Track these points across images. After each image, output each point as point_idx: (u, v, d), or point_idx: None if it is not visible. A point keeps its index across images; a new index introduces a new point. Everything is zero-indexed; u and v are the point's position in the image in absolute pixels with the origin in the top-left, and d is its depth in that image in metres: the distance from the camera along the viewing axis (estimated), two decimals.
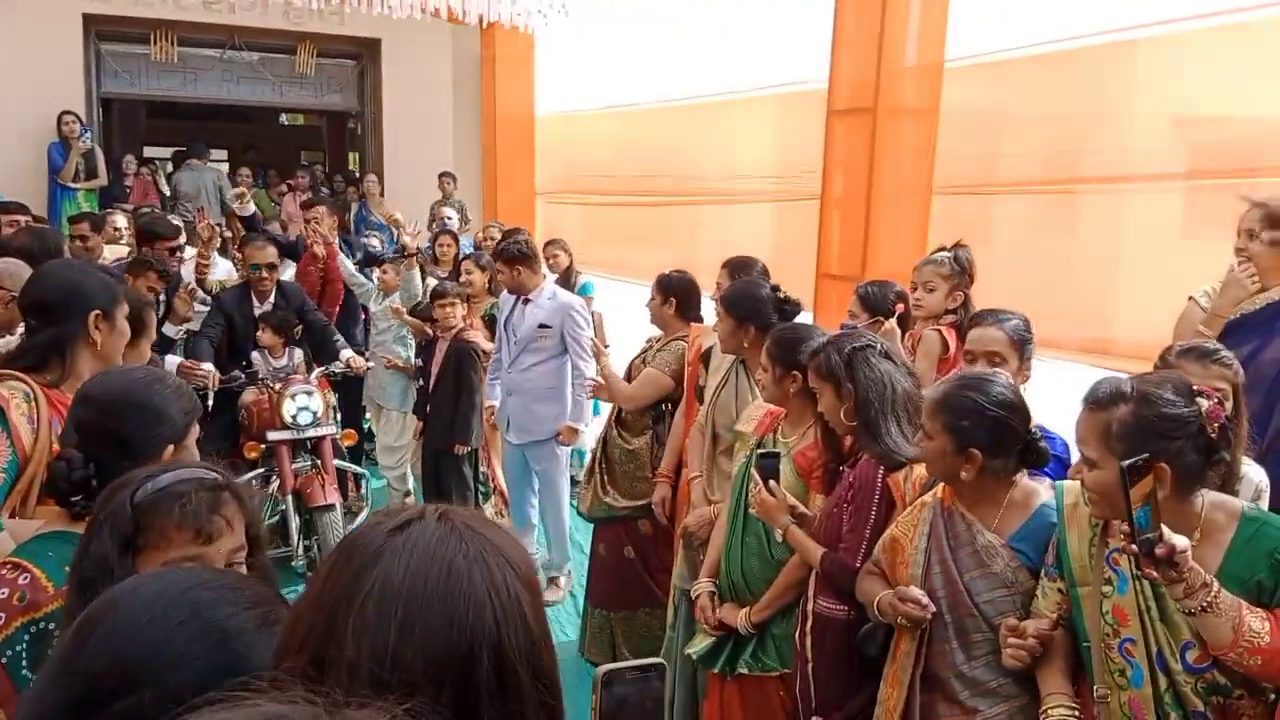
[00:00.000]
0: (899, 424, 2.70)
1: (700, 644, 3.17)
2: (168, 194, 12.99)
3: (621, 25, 8.80)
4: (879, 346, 2.80)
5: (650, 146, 8.67)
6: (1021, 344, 2.96)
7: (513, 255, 5.15)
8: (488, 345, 5.82)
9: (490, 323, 6.10)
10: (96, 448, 1.88)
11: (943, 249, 3.77)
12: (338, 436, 5.58)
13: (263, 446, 5.32)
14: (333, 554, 1.02)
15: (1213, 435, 1.96)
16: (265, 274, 5.69)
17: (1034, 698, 2.25)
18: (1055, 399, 2.48)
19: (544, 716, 0.96)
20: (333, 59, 11.59)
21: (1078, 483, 2.20)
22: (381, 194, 10.77)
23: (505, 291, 5.47)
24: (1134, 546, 1.80)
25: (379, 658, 0.90)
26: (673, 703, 3.53)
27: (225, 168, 13.46)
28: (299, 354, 5.81)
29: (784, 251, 6.30)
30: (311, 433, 5.31)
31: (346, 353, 5.72)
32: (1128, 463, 1.81)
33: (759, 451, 3.01)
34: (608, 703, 1.09)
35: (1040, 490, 2.42)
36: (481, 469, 5.98)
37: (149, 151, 13.90)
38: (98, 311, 2.49)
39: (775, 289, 3.65)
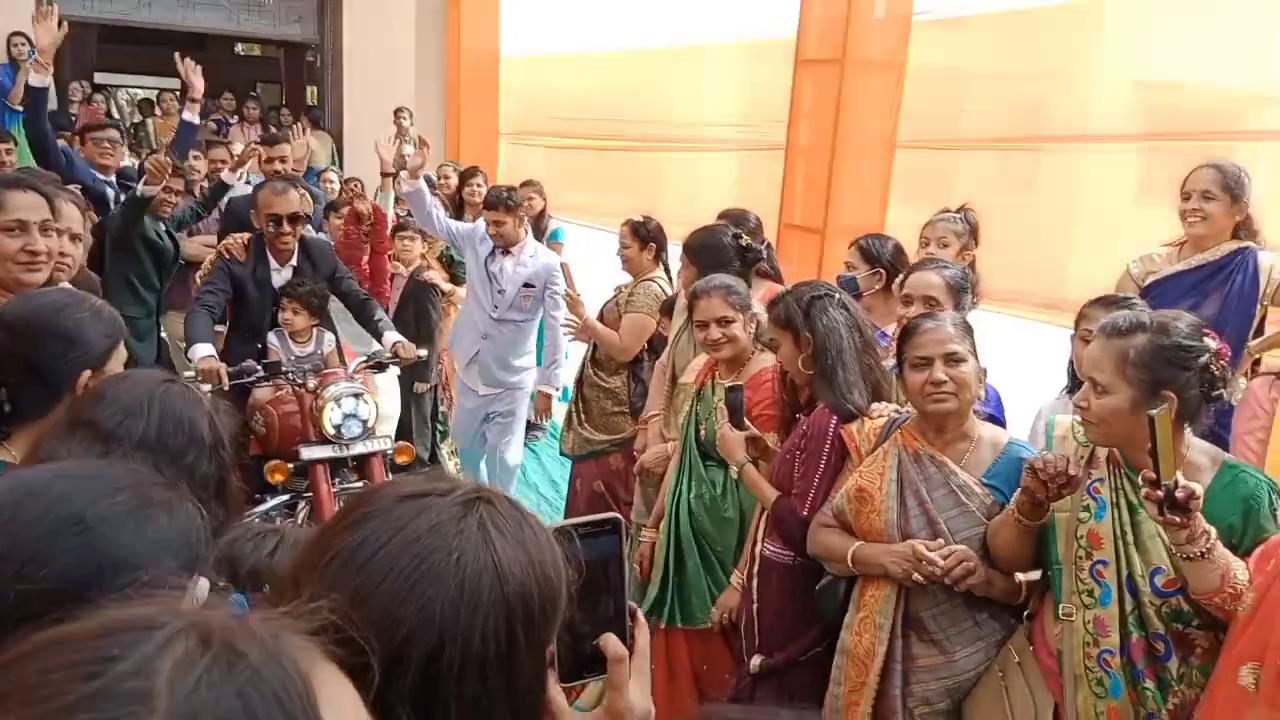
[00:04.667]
0: (854, 374, 2.73)
1: (647, 596, 3.23)
2: (116, 117, 12.68)
3: None
4: (836, 296, 2.82)
5: (617, 91, 8.61)
6: (958, 291, 3.01)
7: (516, 203, 4.95)
8: (446, 285, 5.76)
9: (449, 263, 6.03)
10: (9, 374, 1.84)
11: (946, 210, 3.78)
12: (390, 452, 4.20)
13: (291, 467, 3.99)
14: (352, 497, 1.02)
15: (1216, 373, 2.07)
16: (287, 228, 4.29)
17: (1008, 634, 2.38)
18: (999, 353, 2.55)
19: None
20: None
21: (1068, 416, 2.32)
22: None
23: (481, 229, 5.20)
24: (1159, 492, 1.87)
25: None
26: None
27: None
28: (329, 338, 4.55)
29: (748, 200, 6.27)
30: (360, 448, 4.03)
31: (392, 335, 4.39)
32: (1154, 411, 1.87)
33: (726, 385, 3.05)
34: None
35: (1004, 432, 2.51)
36: (441, 408, 5.96)
37: (102, 78, 13.53)
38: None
39: (737, 236, 3.68)
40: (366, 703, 0.71)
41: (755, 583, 2.86)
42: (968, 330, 2.44)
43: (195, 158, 6.63)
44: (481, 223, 5.15)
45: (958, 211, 3.74)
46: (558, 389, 5.15)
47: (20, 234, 2.40)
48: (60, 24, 4.59)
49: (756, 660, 2.81)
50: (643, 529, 3.57)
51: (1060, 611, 2.19)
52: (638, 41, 8.13)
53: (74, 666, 0.55)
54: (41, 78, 4.77)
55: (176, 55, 5.45)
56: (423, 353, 4.51)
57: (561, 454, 4.81)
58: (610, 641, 1.09)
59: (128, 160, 7.39)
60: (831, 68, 5.14)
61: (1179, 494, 1.85)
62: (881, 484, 2.46)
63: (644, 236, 4.37)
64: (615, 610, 1.11)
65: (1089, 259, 4.80)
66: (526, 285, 4.99)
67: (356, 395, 4.02)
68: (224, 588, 1.76)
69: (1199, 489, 1.88)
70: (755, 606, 2.85)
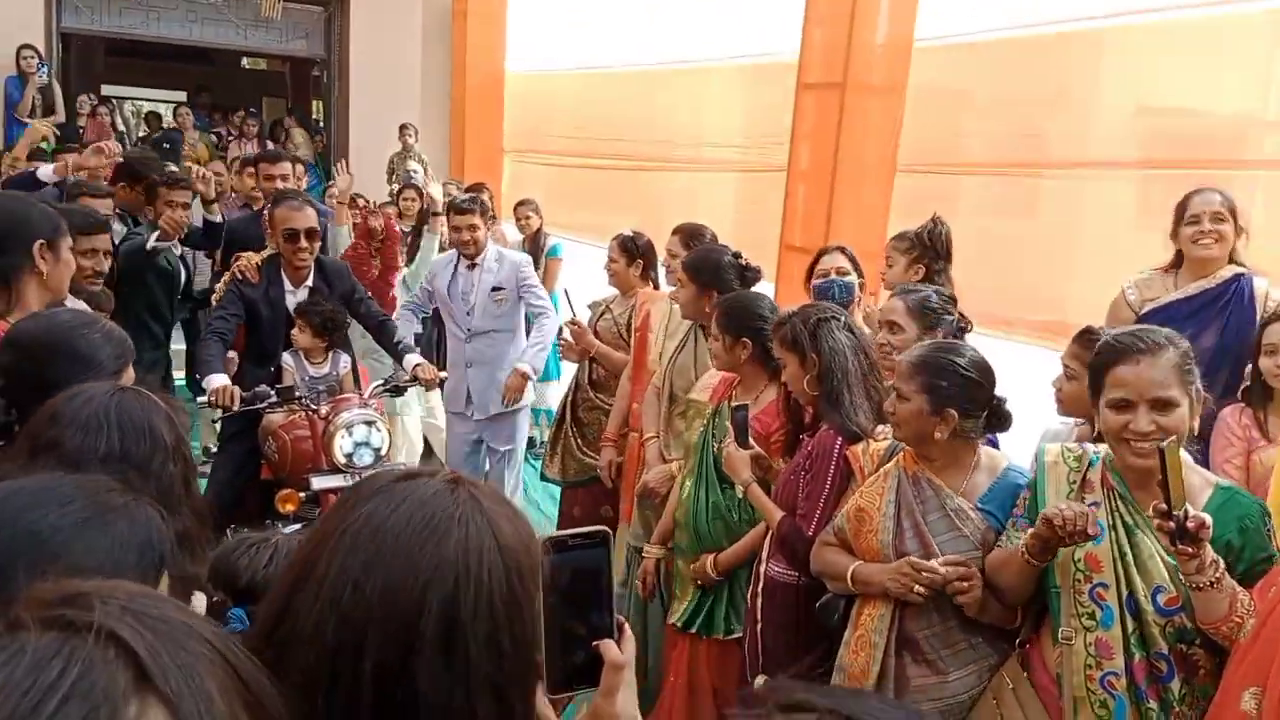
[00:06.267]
0: (859, 396, 2.77)
1: (681, 610, 3.24)
2: (125, 134, 12.76)
3: None
4: (842, 319, 2.88)
5: (621, 110, 8.64)
6: (922, 314, 3.06)
7: (487, 207, 4.90)
8: None
9: None
10: (19, 391, 1.87)
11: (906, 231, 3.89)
12: None
13: (302, 496, 3.93)
14: (347, 490, 1.11)
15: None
16: (304, 243, 4.20)
17: (1002, 659, 2.40)
18: (999, 376, 2.56)
19: (492, 696, 0.98)
20: (300, 4, 11.37)
21: (1057, 444, 2.39)
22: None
23: (438, 254, 5.09)
24: (1171, 524, 1.90)
25: (342, 581, 0.97)
26: None
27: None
28: (345, 360, 4.44)
29: (749, 221, 6.35)
30: None
31: (413, 358, 4.31)
32: (1165, 443, 1.93)
33: (734, 404, 3.08)
34: (551, 569, 1.10)
35: (1002, 456, 2.54)
36: None
37: (108, 89, 13.62)
38: (42, 241, 2.50)
39: (736, 255, 3.71)
40: None
41: (760, 601, 2.89)
42: (921, 369, 2.44)
43: (216, 173, 6.53)
44: (439, 258, 5.09)
45: (930, 223, 3.81)
46: (537, 371, 4.95)
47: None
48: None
49: (761, 680, 2.82)
50: (644, 548, 3.57)
51: (1059, 635, 2.20)
52: (642, 62, 8.18)
53: None
54: (53, 176, 4.71)
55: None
56: (444, 374, 4.43)
57: (544, 479, 4.71)
58: (609, 647, 1.13)
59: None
60: (833, 91, 5.17)
61: (1190, 524, 1.89)
62: (880, 504, 2.49)
63: (632, 252, 4.40)
64: (604, 622, 1.14)
65: (1089, 283, 4.80)
66: (495, 289, 4.85)
67: (369, 423, 3.90)
68: (220, 601, 1.77)
69: (1209, 518, 1.92)
70: (759, 626, 2.88)
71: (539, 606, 1.05)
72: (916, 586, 2.35)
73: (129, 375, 2.00)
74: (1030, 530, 2.20)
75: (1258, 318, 3.42)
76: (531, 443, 7.06)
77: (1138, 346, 2.17)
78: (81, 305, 2.94)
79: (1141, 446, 2.12)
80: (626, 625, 1.16)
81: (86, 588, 0.65)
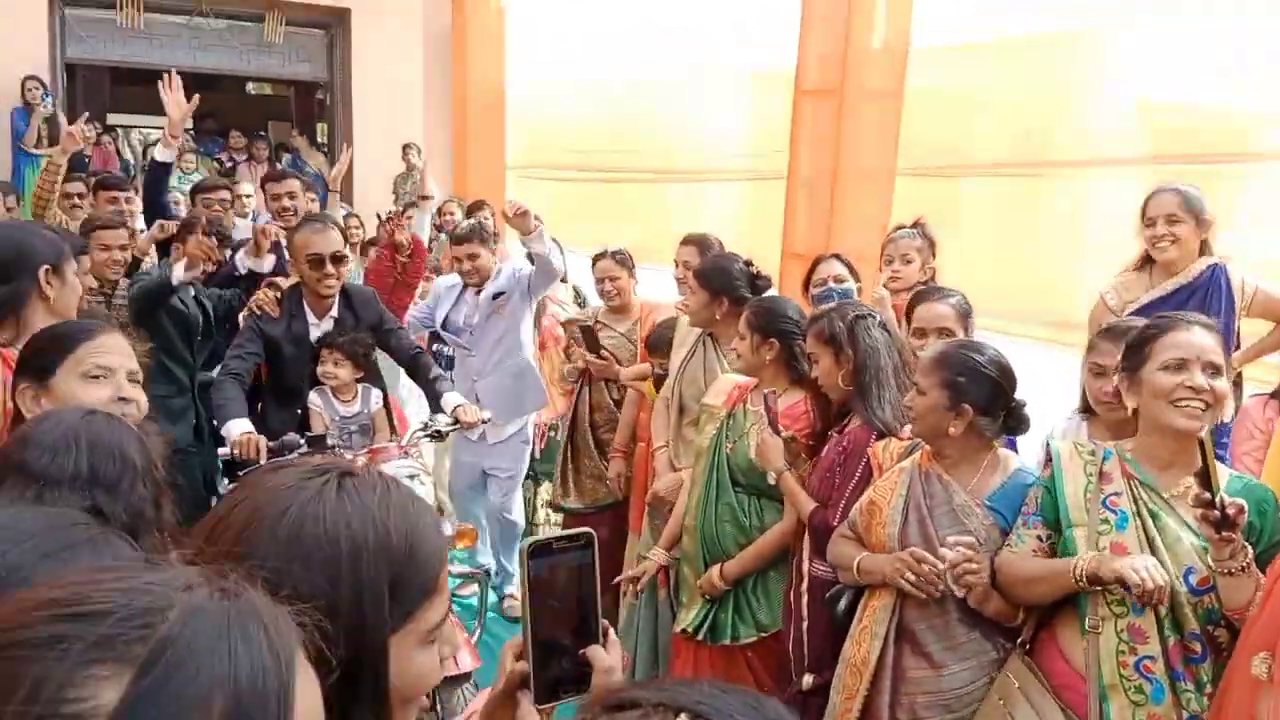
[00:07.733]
0: (890, 394, 2.81)
1: (689, 618, 3.23)
2: (131, 162, 12.85)
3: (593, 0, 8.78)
4: (878, 317, 2.93)
5: (622, 123, 8.67)
6: (965, 316, 3.13)
7: (489, 234, 4.71)
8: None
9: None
10: None
11: (901, 226, 3.89)
12: (449, 536, 3.47)
13: None
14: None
15: None
16: (331, 269, 3.79)
17: (1000, 655, 2.40)
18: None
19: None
20: (301, 28, 11.44)
21: (1067, 441, 2.43)
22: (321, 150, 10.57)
23: (445, 282, 4.87)
24: (1215, 512, 1.93)
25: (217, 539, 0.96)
26: (634, 667, 3.60)
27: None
28: (376, 395, 4.01)
29: (752, 229, 6.35)
30: None
31: (453, 396, 3.81)
32: (1204, 431, 1.99)
33: (765, 391, 3.09)
34: (535, 574, 1.09)
35: (1013, 457, 2.57)
36: None
37: (114, 118, 13.71)
38: (47, 267, 2.52)
39: (748, 264, 3.72)
40: None
41: (805, 601, 2.91)
42: (942, 364, 2.47)
43: (174, 203, 6.50)
44: (442, 280, 4.95)
45: (913, 227, 3.84)
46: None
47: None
48: (190, 98, 4.58)
49: (808, 679, 2.85)
50: (650, 551, 3.55)
51: (1086, 624, 2.21)
52: (642, 73, 8.20)
53: (109, 574, 0.67)
54: (169, 152, 4.81)
55: (160, 81, 4.81)
56: (487, 415, 3.92)
57: (560, 509, 4.59)
58: (597, 653, 1.11)
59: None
60: (831, 98, 5.17)
61: (1229, 510, 1.93)
62: (891, 499, 2.53)
63: (630, 266, 4.44)
64: (590, 627, 1.12)
65: (1096, 282, 4.79)
66: (497, 295, 4.65)
67: (411, 476, 3.45)
68: None
69: (1245, 504, 1.96)
70: (805, 625, 2.90)
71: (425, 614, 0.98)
72: (908, 574, 2.37)
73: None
74: (1101, 565, 2.13)
75: (1237, 306, 3.46)
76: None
77: (1189, 319, 2.23)
78: None
79: (1194, 405, 2.14)
80: (611, 629, 1.15)
81: None
